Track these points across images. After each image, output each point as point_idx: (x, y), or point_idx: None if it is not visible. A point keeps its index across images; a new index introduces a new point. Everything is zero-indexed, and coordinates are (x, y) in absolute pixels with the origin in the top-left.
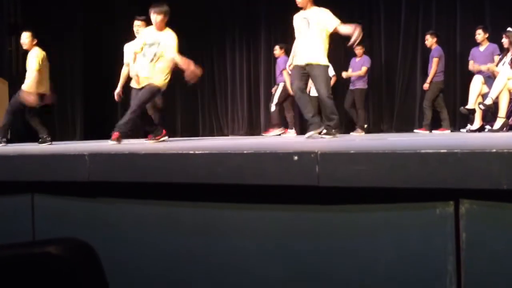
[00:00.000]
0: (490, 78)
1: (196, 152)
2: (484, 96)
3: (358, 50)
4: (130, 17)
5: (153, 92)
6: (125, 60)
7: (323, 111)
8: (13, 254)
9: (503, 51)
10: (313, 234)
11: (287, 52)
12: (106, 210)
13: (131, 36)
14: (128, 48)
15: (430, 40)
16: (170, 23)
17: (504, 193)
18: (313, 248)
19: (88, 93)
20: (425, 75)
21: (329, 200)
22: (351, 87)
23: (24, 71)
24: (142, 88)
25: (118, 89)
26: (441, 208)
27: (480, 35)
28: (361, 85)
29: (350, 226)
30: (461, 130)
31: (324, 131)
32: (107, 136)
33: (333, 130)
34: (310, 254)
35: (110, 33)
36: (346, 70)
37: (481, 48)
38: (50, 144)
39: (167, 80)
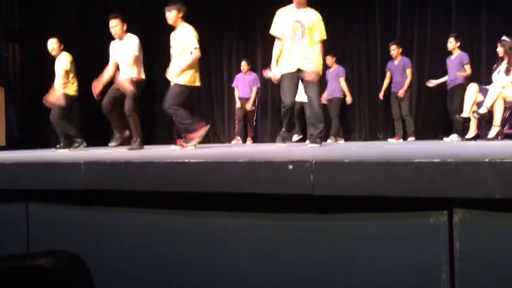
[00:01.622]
0: (484, 87)
1: (192, 160)
2: (479, 104)
3: (329, 60)
4: (127, 22)
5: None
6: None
7: (308, 118)
8: (5, 267)
9: (497, 60)
10: (308, 243)
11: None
12: (102, 218)
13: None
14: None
15: (396, 51)
16: (167, 32)
17: (497, 202)
18: (308, 256)
19: (85, 100)
20: (390, 83)
21: (323, 208)
22: (328, 97)
23: (21, 77)
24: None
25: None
26: (435, 217)
27: (451, 43)
28: (338, 94)
29: (344, 235)
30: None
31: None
32: (104, 144)
33: (318, 139)
34: (305, 263)
35: (108, 40)
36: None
37: (452, 57)
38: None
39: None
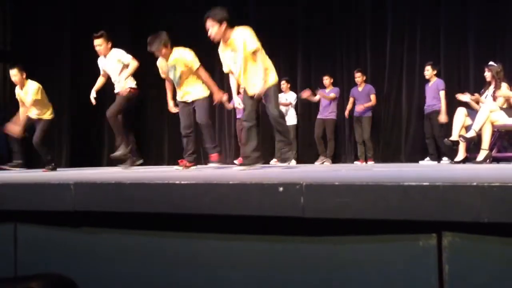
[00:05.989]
0: (473, 111)
1: (182, 182)
2: (467, 128)
3: (326, 80)
4: (118, 43)
5: None
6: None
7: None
8: None
9: (485, 85)
10: (297, 265)
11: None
12: (91, 240)
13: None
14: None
15: (361, 78)
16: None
17: (486, 226)
18: (297, 279)
19: (75, 119)
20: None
21: (313, 231)
22: (321, 117)
23: (10, 98)
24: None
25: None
26: (424, 240)
27: (428, 71)
28: (333, 115)
29: (334, 258)
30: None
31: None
32: (94, 163)
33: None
34: (294, 286)
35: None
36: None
37: (429, 84)
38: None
39: None
